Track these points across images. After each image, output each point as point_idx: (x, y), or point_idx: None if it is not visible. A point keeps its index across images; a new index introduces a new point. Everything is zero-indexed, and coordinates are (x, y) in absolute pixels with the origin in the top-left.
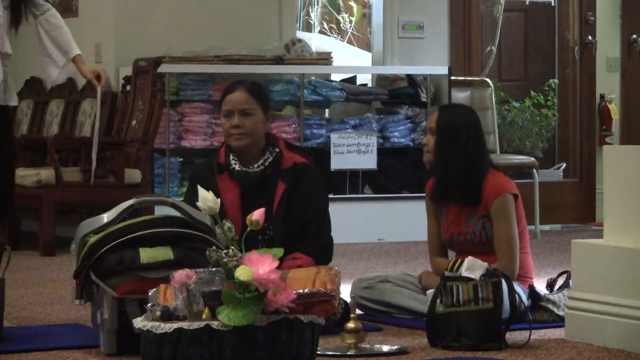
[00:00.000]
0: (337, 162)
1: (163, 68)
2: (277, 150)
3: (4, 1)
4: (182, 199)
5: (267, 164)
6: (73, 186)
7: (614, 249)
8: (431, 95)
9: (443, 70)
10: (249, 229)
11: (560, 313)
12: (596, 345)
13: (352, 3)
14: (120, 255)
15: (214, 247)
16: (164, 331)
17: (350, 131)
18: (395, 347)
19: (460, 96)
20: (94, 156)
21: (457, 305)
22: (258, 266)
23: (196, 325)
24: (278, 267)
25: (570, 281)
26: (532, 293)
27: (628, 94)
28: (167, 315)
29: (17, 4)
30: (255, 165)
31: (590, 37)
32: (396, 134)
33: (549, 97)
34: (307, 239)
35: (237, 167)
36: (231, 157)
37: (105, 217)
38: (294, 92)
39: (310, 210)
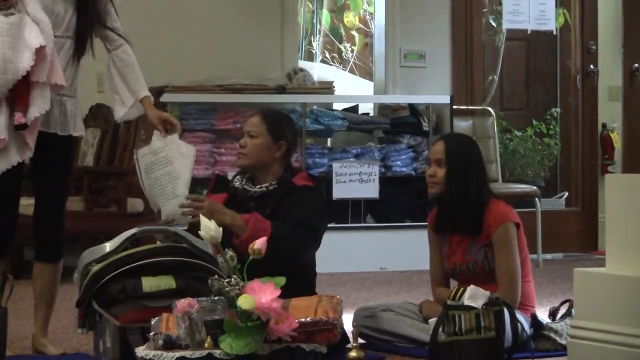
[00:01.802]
0: (339, 191)
1: (165, 97)
2: (284, 177)
3: (67, 30)
4: (184, 228)
5: (271, 188)
6: (75, 215)
7: (616, 277)
8: (433, 124)
9: (445, 99)
10: (250, 257)
11: (563, 342)
12: None
13: (354, 32)
14: (122, 284)
15: (216, 276)
16: None
17: (352, 160)
18: None
19: (462, 125)
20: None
21: (460, 334)
22: (260, 295)
23: (198, 354)
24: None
25: (573, 310)
26: (535, 322)
27: (630, 122)
28: (170, 344)
29: (83, 34)
30: (257, 186)
31: (592, 66)
32: (398, 163)
33: (551, 126)
34: (283, 224)
35: (237, 184)
36: (238, 177)
37: (108, 246)
38: (296, 121)
39: (296, 208)
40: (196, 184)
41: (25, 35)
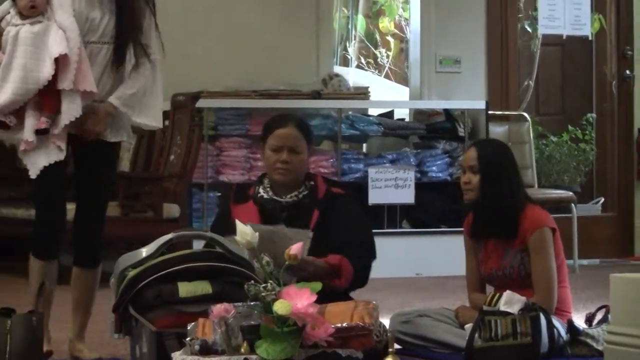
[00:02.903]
0: (375, 197)
1: (201, 103)
2: (313, 183)
3: (103, 36)
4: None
5: (300, 196)
6: (111, 221)
7: None
8: (468, 130)
9: (480, 104)
10: (287, 262)
11: (599, 347)
12: None
13: (389, 38)
14: (158, 289)
15: (252, 281)
16: None
17: (388, 166)
18: None
19: (497, 130)
20: None
21: (496, 339)
22: (296, 300)
23: (234, 359)
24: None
25: (609, 315)
26: (571, 327)
27: None
28: (206, 349)
29: (120, 41)
30: (288, 196)
31: (627, 71)
32: (434, 168)
33: (587, 132)
34: (351, 251)
35: (265, 196)
36: (262, 187)
37: (144, 252)
38: (332, 127)
39: (351, 230)
40: (230, 190)
41: (48, 44)
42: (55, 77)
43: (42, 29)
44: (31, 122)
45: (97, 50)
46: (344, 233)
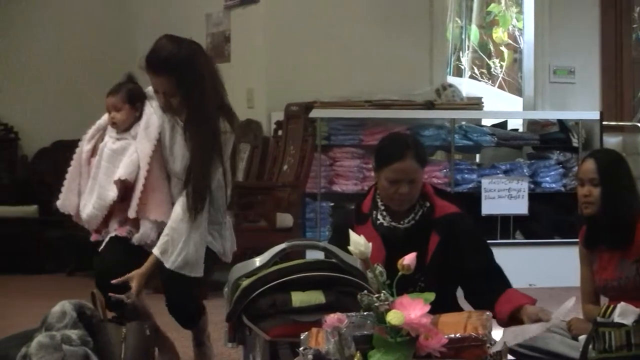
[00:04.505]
0: (488, 207)
1: (314, 113)
2: (428, 204)
3: (179, 173)
4: None
5: (417, 218)
6: None
7: None
8: (582, 141)
9: (594, 115)
10: (400, 273)
11: None
12: None
13: (502, 48)
14: (272, 298)
15: (365, 292)
16: None
17: (501, 176)
18: None
19: (611, 141)
20: None
21: (610, 351)
22: (409, 310)
23: None
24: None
25: None
26: None
27: None
28: (319, 358)
29: (195, 189)
30: (406, 221)
31: None
32: (547, 179)
33: None
34: (493, 281)
35: (385, 223)
36: (379, 212)
37: (258, 261)
38: (445, 137)
39: (480, 258)
40: (343, 200)
41: (120, 163)
42: (124, 199)
43: (121, 147)
44: (114, 225)
45: (175, 183)
46: (475, 263)
